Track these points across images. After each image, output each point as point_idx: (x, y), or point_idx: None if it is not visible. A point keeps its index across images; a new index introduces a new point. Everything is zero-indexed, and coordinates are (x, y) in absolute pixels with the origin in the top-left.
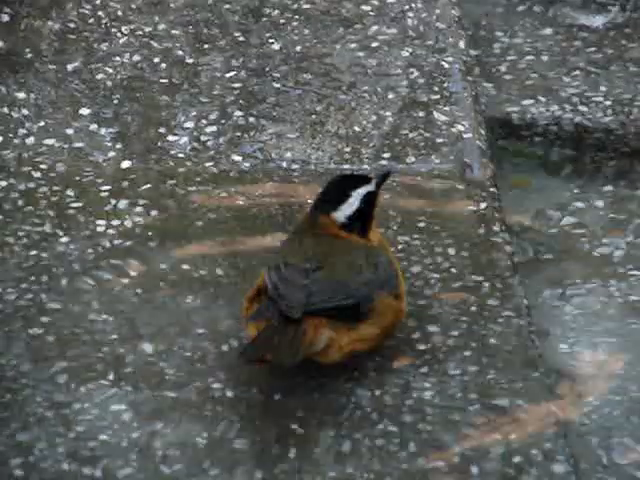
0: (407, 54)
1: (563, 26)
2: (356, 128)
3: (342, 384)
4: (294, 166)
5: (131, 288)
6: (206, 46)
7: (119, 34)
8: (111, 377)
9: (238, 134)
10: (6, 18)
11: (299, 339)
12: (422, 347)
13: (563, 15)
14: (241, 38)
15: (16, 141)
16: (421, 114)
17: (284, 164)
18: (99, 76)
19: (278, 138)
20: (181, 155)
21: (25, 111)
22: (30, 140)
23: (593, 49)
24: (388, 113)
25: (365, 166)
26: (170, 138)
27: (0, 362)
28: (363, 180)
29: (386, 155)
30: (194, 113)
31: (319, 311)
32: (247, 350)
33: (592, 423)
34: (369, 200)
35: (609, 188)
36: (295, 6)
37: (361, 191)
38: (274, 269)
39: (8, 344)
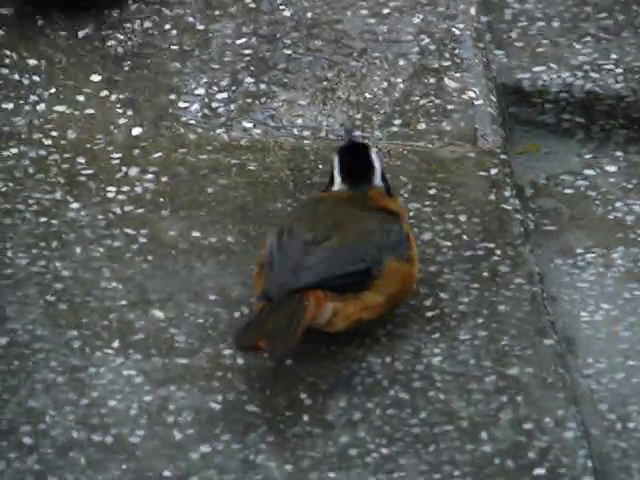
0: (418, 20)
1: None
2: (367, 95)
3: (353, 351)
4: (305, 133)
5: (142, 255)
6: (217, 12)
7: (130, 1)
8: (121, 344)
9: (249, 101)
10: None
11: (299, 317)
12: (433, 314)
13: None
14: (252, 5)
15: (27, 108)
16: (432, 81)
17: (295, 131)
18: (110, 43)
19: (289, 105)
20: (192, 122)
21: (36, 78)
22: (41, 107)
23: (604, 15)
24: (399, 80)
25: (377, 132)
26: (181, 105)
27: (14, 327)
28: (363, 145)
29: (397, 122)
30: (205, 80)
31: (321, 284)
32: (240, 337)
33: (602, 388)
34: (380, 158)
35: (620, 154)
36: None
37: (373, 153)
38: (276, 237)
39: (22, 309)
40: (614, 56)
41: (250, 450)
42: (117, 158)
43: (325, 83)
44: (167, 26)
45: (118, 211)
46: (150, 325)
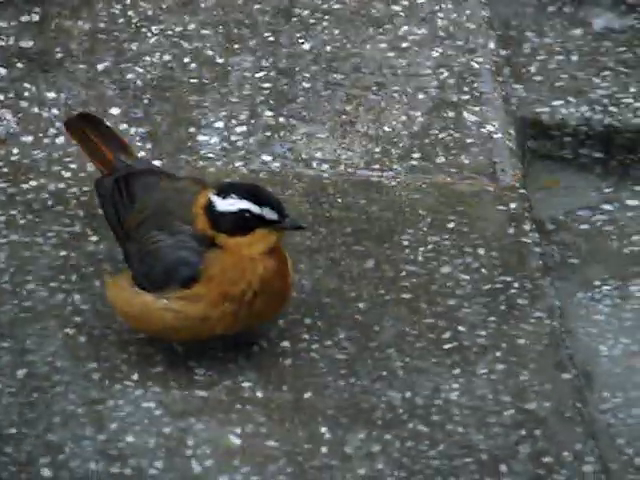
0: (437, 54)
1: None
2: (386, 128)
3: (372, 385)
4: (324, 166)
5: None
6: (236, 46)
7: (149, 34)
8: (140, 376)
9: (268, 134)
10: (36, 18)
11: None
12: (451, 347)
13: (586, 14)
14: (271, 38)
15: (46, 141)
16: (451, 114)
17: (314, 164)
18: (129, 76)
19: (308, 138)
20: (211, 155)
21: (55, 111)
22: (60, 140)
23: (623, 49)
24: (418, 113)
25: (395, 166)
26: (200, 138)
27: (33, 359)
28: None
29: (416, 155)
30: (224, 113)
31: None
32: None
33: (620, 422)
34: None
35: (639, 188)
36: (325, 6)
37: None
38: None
39: (41, 342)
40: (633, 90)
41: None
42: None
43: (344, 116)
44: (186, 59)
45: None
46: (169, 357)
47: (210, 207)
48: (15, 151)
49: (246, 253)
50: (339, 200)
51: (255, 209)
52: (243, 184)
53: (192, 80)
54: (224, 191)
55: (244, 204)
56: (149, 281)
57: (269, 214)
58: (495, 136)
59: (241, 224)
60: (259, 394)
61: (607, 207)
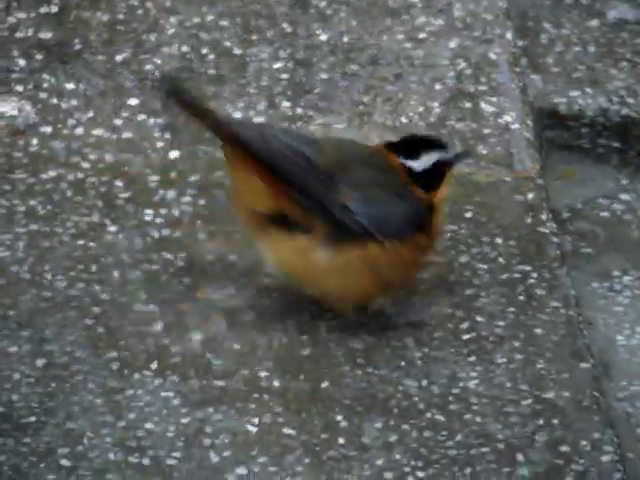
0: (454, 45)
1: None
2: (403, 119)
3: (389, 374)
4: None
5: (178, 278)
6: (254, 37)
7: (167, 25)
8: (158, 366)
9: (286, 125)
10: (55, 9)
11: None
12: (469, 337)
13: (603, 6)
14: (289, 29)
15: (65, 132)
16: (468, 105)
17: None
18: (147, 67)
19: (325, 129)
20: None
21: (74, 102)
22: (79, 130)
23: None
24: (435, 104)
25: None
26: None
27: (52, 349)
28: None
29: None
30: (242, 104)
31: None
32: None
33: (638, 412)
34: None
35: None
36: None
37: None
38: None
39: (60, 332)
40: None
41: (286, 473)
42: (154, 181)
43: (361, 107)
44: (204, 50)
45: (155, 234)
46: (187, 348)
47: (409, 170)
48: (34, 142)
49: (442, 198)
50: None
51: (443, 154)
52: (414, 138)
53: (210, 71)
54: (410, 151)
55: (434, 155)
56: (387, 223)
57: (451, 153)
58: (512, 127)
59: (437, 174)
60: (276, 383)
61: (625, 196)
